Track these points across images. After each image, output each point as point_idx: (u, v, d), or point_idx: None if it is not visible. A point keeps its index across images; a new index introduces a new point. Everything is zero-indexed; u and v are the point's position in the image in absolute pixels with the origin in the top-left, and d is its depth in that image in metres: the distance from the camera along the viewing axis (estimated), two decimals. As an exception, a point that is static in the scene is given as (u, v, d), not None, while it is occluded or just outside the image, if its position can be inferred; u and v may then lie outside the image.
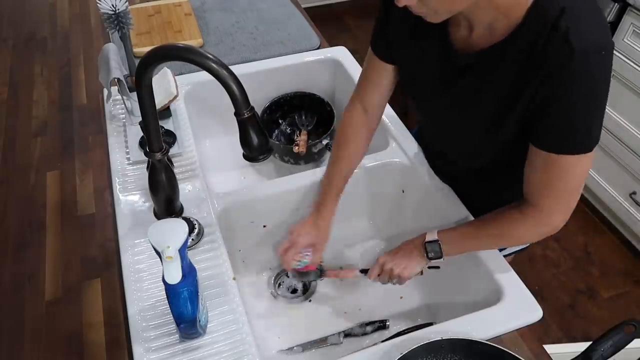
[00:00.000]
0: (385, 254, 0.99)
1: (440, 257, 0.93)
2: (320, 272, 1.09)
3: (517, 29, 0.73)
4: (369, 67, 1.02)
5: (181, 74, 1.37)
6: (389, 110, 1.29)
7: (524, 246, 1.16)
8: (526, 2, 0.71)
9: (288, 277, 1.15)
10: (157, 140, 0.88)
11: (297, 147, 1.35)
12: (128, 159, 1.12)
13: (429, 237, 0.94)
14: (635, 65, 1.83)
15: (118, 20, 1.05)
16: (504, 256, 0.98)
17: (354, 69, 1.43)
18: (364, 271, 1.03)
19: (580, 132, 0.75)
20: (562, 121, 0.75)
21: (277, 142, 1.45)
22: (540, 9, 0.71)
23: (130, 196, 1.05)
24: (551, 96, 0.73)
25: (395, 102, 1.14)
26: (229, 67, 0.74)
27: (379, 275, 0.99)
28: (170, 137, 1.16)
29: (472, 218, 1.03)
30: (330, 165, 1.06)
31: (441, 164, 1.12)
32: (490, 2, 0.72)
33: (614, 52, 0.74)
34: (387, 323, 1.06)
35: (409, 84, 0.97)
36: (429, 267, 0.99)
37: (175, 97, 1.17)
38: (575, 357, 0.81)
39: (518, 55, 0.74)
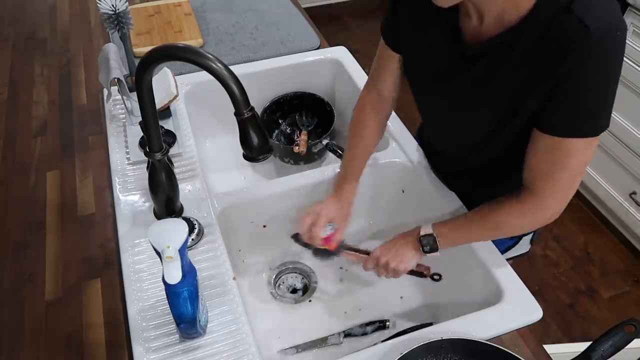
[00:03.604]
0: (380, 247, 0.97)
1: (435, 251, 0.92)
2: (337, 250, 1.03)
3: (528, 16, 0.73)
4: (380, 55, 1.02)
5: (181, 74, 1.37)
6: (389, 110, 1.29)
7: (524, 251, 1.16)
8: None
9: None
10: (157, 140, 0.88)
11: (297, 147, 1.35)
12: (128, 159, 1.12)
13: (424, 231, 0.92)
14: (635, 65, 1.83)
15: (118, 20, 1.05)
16: (508, 260, 0.98)
17: (354, 69, 1.43)
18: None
19: (589, 114, 0.74)
20: (571, 101, 0.73)
21: (277, 142, 1.45)
22: None
23: (130, 196, 1.05)
24: (564, 76, 0.71)
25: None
26: (229, 67, 0.74)
27: (374, 267, 0.98)
28: (170, 137, 1.16)
29: (472, 218, 1.03)
30: (346, 150, 1.06)
31: (441, 163, 1.11)
32: None
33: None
34: (387, 323, 1.06)
35: (413, 75, 0.96)
36: (433, 279, 0.99)
37: (175, 97, 1.17)
38: (575, 357, 0.80)
39: (529, 43, 0.73)
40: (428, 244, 0.92)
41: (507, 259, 1.10)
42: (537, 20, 0.72)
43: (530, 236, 1.14)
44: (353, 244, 1.06)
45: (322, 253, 1.06)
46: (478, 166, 0.99)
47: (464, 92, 0.86)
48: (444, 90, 0.89)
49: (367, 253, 1.01)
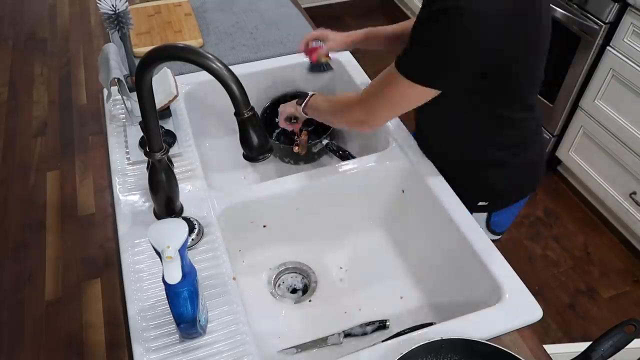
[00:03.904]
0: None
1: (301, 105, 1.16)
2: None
3: None
4: None
5: (181, 74, 1.37)
6: (389, 110, 1.29)
7: (493, 237, 1.22)
8: None
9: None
10: (157, 140, 0.88)
11: (297, 148, 1.35)
12: (128, 159, 1.12)
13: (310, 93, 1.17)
14: (635, 65, 1.83)
15: (118, 20, 1.05)
16: (494, 241, 1.00)
17: (354, 69, 1.44)
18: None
19: (409, 56, 0.89)
20: (409, 44, 0.89)
21: (277, 142, 1.44)
22: None
23: (130, 196, 1.05)
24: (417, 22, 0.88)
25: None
26: (229, 67, 0.74)
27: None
28: (170, 137, 1.16)
29: (472, 218, 1.04)
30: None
31: (430, 148, 1.18)
32: None
33: (614, 50, 0.75)
34: (387, 323, 1.06)
35: None
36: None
37: (175, 97, 1.17)
38: (575, 357, 0.81)
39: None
40: (301, 101, 1.16)
41: (494, 240, 1.16)
42: None
43: (484, 218, 1.19)
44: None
45: (314, 68, 1.44)
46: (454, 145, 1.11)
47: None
48: None
49: (304, 132, 1.34)
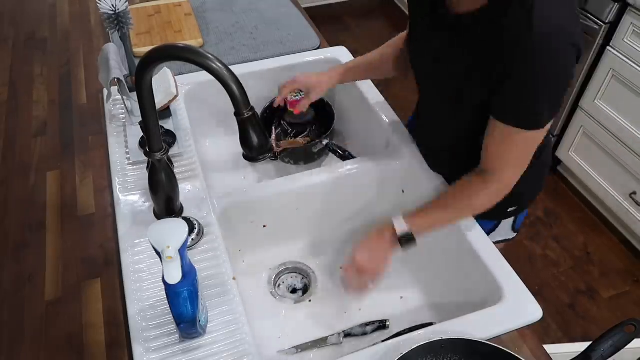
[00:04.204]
0: (358, 251, 0.96)
1: (413, 244, 0.95)
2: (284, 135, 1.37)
3: (491, 2, 0.77)
4: None
5: (181, 74, 1.37)
6: (389, 111, 1.29)
7: (508, 237, 1.21)
8: None
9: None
10: (157, 140, 0.88)
11: (275, 145, 1.36)
12: (128, 159, 1.12)
13: (399, 229, 0.93)
14: (635, 65, 1.83)
15: (118, 20, 1.05)
16: (495, 243, 1.00)
17: (354, 69, 1.43)
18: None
19: (532, 111, 0.81)
20: (516, 98, 0.80)
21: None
22: None
23: (130, 196, 1.05)
24: (507, 72, 0.77)
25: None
26: (229, 67, 0.74)
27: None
28: (170, 137, 1.16)
29: (471, 218, 1.03)
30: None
31: (425, 151, 1.15)
32: None
33: (614, 50, 0.75)
34: (387, 323, 1.06)
35: (410, 49, 1.04)
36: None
37: (175, 97, 1.17)
38: (575, 357, 0.81)
39: (487, 27, 0.78)
40: (406, 241, 0.94)
41: (496, 242, 1.16)
42: (497, 6, 0.76)
43: (510, 222, 1.18)
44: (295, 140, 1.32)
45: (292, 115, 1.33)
46: (451, 146, 1.05)
47: (433, 51, 0.93)
48: (423, 47, 0.97)
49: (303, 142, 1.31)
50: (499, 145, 0.87)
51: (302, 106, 1.22)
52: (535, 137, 0.85)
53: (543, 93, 0.78)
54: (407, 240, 0.94)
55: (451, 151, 1.07)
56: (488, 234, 1.14)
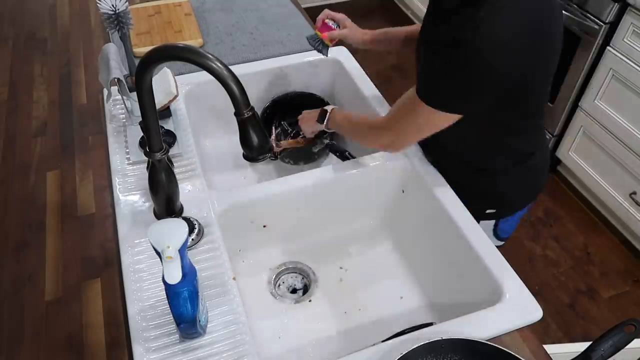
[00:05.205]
0: (305, 113, 1.26)
1: (322, 123, 1.17)
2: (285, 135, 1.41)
3: None
4: None
5: (181, 74, 1.37)
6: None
7: (498, 243, 1.21)
8: None
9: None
10: (157, 140, 0.88)
11: (276, 146, 1.35)
12: (128, 159, 1.12)
13: (327, 108, 1.18)
14: (635, 65, 1.83)
15: (118, 20, 1.05)
16: (498, 247, 1.00)
17: (354, 69, 1.44)
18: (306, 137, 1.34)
19: (430, 85, 0.89)
20: (429, 68, 0.90)
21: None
22: None
23: (130, 196, 1.05)
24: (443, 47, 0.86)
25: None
26: (229, 67, 0.74)
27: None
28: (170, 137, 1.16)
29: (471, 218, 1.04)
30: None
31: (433, 150, 1.18)
32: None
33: (614, 50, 0.76)
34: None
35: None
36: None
37: (175, 97, 1.16)
38: (575, 357, 0.80)
39: (451, 15, 0.86)
40: (322, 118, 1.17)
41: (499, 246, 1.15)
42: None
43: (491, 226, 1.18)
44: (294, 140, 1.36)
45: (312, 42, 1.31)
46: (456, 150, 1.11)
47: (422, 49, 1.00)
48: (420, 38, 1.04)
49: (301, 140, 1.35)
50: (403, 103, 0.97)
51: (332, 36, 1.26)
52: (429, 115, 0.90)
53: (452, 77, 0.85)
54: (322, 118, 1.18)
55: (449, 149, 1.11)
56: None
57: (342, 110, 1.19)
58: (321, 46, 1.29)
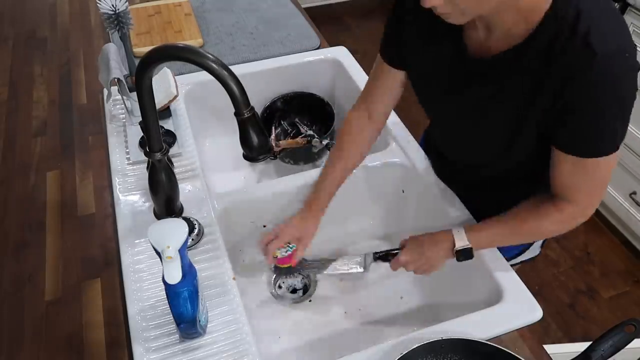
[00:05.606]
0: (408, 251, 0.96)
1: (469, 259, 0.92)
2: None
3: (534, 34, 0.72)
4: (377, 72, 1.01)
5: (181, 74, 1.37)
6: (389, 110, 1.29)
7: (535, 255, 1.15)
8: (544, 6, 0.70)
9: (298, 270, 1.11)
10: (157, 140, 0.88)
11: (276, 146, 1.34)
12: (128, 159, 1.12)
13: (459, 243, 0.91)
14: (635, 65, 1.82)
15: (118, 20, 1.05)
16: (512, 265, 0.97)
17: (354, 69, 1.43)
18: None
19: (606, 136, 0.76)
20: (587, 126, 0.74)
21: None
22: (558, 12, 0.70)
23: (130, 196, 1.05)
24: (574, 101, 0.72)
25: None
26: (229, 67, 0.74)
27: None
28: (170, 137, 1.16)
29: (472, 218, 1.03)
30: (326, 166, 1.06)
31: (449, 172, 1.10)
32: (514, 5, 0.71)
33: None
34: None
35: (420, 89, 0.96)
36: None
37: (175, 97, 1.17)
38: (575, 357, 0.80)
39: (534, 61, 0.73)
40: (463, 256, 0.91)
41: (517, 263, 1.11)
42: (542, 39, 0.71)
43: (541, 240, 1.13)
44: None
45: (284, 271, 1.08)
46: (482, 178, 1.00)
47: (471, 105, 0.86)
48: (452, 101, 0.89)
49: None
50: (571, 176, 0.81)
51: (298, 257, 1.04)
52: (608, 161, 0.78)
53: (612, 120, 0.74)
54: (464, 254, 0.91)
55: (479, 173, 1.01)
56: (520, 253, 1.10)
57: (471, 225, 0.94)
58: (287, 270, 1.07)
